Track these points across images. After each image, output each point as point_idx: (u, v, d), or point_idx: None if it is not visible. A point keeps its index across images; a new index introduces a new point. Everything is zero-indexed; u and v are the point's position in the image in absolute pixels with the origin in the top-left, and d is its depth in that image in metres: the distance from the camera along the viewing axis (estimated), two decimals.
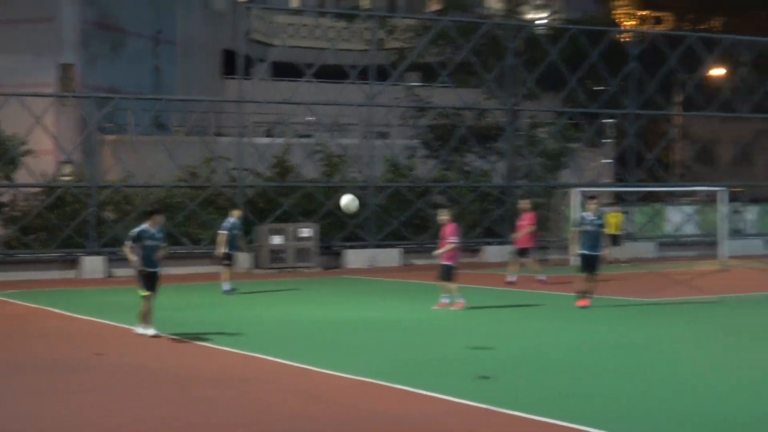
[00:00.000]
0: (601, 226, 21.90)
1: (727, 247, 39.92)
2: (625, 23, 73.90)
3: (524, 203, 29.95)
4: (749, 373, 13.75)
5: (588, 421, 10.43)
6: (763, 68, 49.10)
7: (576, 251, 21.71)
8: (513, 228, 30.97)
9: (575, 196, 38.70)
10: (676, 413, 11.06)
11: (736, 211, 48.06)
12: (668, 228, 47.13)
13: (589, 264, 21.39)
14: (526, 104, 47.33)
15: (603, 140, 50.85)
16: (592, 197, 23.23)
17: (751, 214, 49.48)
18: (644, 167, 48.46)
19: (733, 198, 47.79)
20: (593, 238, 21.36)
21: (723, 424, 10.57)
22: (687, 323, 19.51)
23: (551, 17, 54.69)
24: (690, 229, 47.81)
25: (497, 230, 41.53)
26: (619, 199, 45.56)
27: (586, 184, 45.23)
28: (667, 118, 53.87)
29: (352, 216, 24.74)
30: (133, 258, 17.40)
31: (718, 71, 54.03)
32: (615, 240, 36.00)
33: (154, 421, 11.04)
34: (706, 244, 44.91)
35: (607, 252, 22.21)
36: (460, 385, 12.63)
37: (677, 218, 47.46)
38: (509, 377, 13.35)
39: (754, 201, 52.47)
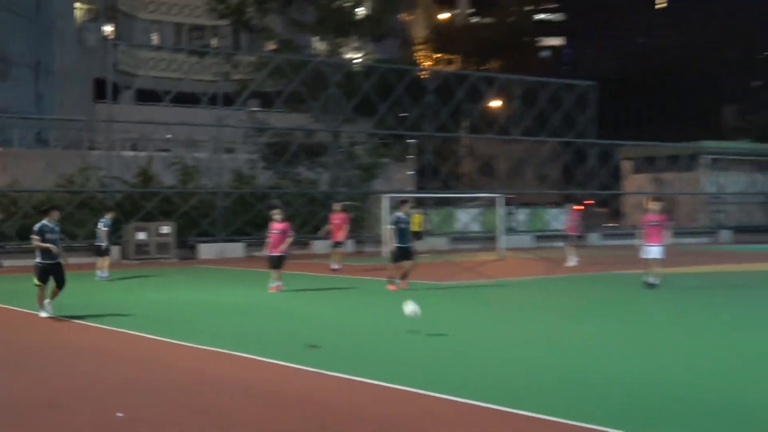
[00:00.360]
0: (409, 224, 22.08)
1: (503, 241, 40.71)
2: (423, 63, 74.98)
3: (336, 206, 29.99)
4: (519, 333, 14.04)
5: (394, 379, 10.39)
6: (530, 101, 50.40)
7: (393, 245, 21.70)
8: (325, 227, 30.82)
9: (385, 200, 38.92)
10: (458, 365, 11.14)
11: (510, 213, 49.20)
12: (458, 226, 47.94)
13: (403, 254, 21.45)
14: (346, 127, 47.43)
15: (407, 156, 51.33)
16: (405, 201, 23.29)
17: (522, 215, 50.79)
18: (439, 178, 49.24)
19: (508, 203, 48.91)
20: (405, 233, 21.50)
21: (493, 372, 10.66)
22: (474, 300, 19.70)
23: (365, 57, 54.85)
24: (475, 226, 48.72)
25: (322, 228, 41.56)
26: (420, 203, 46.05)
27: (394, 191, 45.57)
28: (457, 140, 54.80)
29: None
30: (42, 245, 16.49)
31: (496, 102, 55.16)
32: (417, 236, 36.52)
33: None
34: (487, 239, 45.83)
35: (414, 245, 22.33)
36: (293, 353, 12.40)
37: (465, 218, 48.44)
38: (333, 345, 13.17)
39: (524, 205, 53.85)
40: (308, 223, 40.91)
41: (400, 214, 21.81)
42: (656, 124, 78.55)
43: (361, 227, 41.49)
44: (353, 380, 10.54)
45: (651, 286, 21.33)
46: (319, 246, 39.98)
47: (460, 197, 50.65)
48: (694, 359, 11.92)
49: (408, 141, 50.75)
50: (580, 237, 29.05)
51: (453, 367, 11.39)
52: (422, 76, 55.44)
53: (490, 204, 49.45)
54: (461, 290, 22.11)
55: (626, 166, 59.28)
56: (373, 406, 9.25)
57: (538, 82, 50.71)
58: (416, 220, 37.55)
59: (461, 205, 50.69)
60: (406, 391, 9.87)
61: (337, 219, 29.14)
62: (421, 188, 51.06)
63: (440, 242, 44.19)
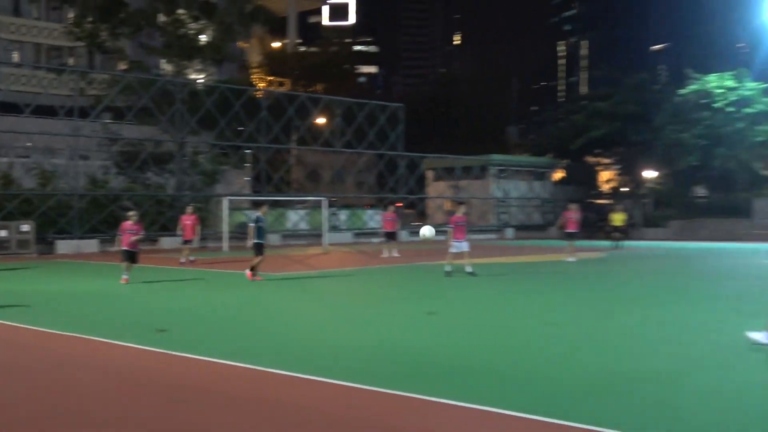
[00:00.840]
0: (266, 222, 21.80)
1: (327, 238, 40.86)
2: (258, 84, 74.31)
3: (188, 208, 29.37)
4: (331, 312, 14.02)
5: (234, 357, 10.27)
6: (349, 118, 50.85)
7: (252, 241, 21.34)
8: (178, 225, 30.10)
9: (225, 202, 38.38)
10: (301, 342, 11.09)
11: (333, 214, 49.45)
12: (288, 225, 47.75)
13: (260, 249, 21.18)
14: (190, 138, 46.52)
15: (244, 164, 50.76)
16: (263, 203, 23.27)
17: (343, 215, 51.08)
18: (272, 183, 48.86)
19: (331, 205, 49.19)
20: (262, 231, 21.19)
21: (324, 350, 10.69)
22: (302, 289, 19.66)
23: (208, 78, 53.79)
24: (303, 225, 48.66)
25: (169, 227, 40.58)
26: (257, 205, 45.64)
27: (233, 194, 44.98)
28: (287, 151, 54.54)
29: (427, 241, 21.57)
30: None
31: (321, 120, 55.27)
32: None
33: None
34: (313, 236, 45.92)
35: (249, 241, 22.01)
36: (145, 336, 12.02)
37: (294, 218, 48.26)
38: (180, 329, 12.85)
39: (345, 207, 54.22)
40: (156, 222, 39.93)
41: (259, 214, 21.51)
42: (454, 141, 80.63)
43: (205, 226, 40.74)
44: (197, 359, 10.32)
45: (471, 274, 21.87)
46: (167, 242, 39.03)
47: (290, 200, 50.51)
48: (481, 332, 12.26)
49: (245, 151, 50.16)
50: (394, 234, 29.35)
51: (272, 342, 11.38)
52: (257, 96, 55.01)
53: (316, 206, 49.63)
54: (291, 280, 22.04)
55: (429, 174, 60.65)
56: (218, 381, 9.10)
57: (356, 102, 51.25)
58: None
59: (291, 206, 50.57)
60: (241, 366, 9.79)
61: (188, 220, 28.51)
62: (256, 192, 50.56)
63: (273, 239, 43.90)
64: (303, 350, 10.91)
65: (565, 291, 18.49)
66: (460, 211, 22.80)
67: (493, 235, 56.47)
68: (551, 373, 9.27)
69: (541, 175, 63.74)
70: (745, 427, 7.19)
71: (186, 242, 28.60)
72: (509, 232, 57.25)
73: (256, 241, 21.15)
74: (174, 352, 10.69)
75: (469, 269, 22.18)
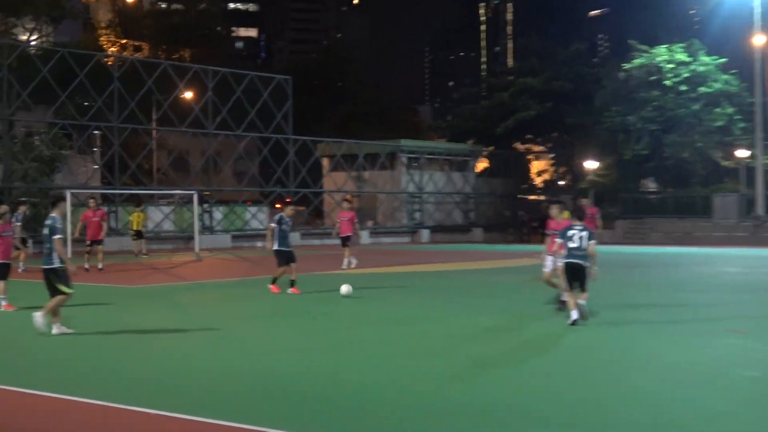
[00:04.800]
0: (291, 226, 21.05)
1: (199, 241, 40.03)
2: (109, 49, 72.50)
3: (91, 202, 29.01)
4: (186, 335, 13.55)
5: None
6: (225, 93, 50.01)
7: (273, 246, 20.48)
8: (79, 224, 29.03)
9: (68, 197, 37.00)
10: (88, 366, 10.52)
11: (206, 211, 48.56)
12: (149, 224, 46.49)
13: (286, 257, 20.43)
14: (22, 115, 44.92)
15: (92, 149, 49.34)
16: (288, 202, 22.65)
17: (219, 213, 50.15)
18: (128, 173, 47.67)
19: (204, 200, 48.30)
20: (287, 235, 20.52)
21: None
22: (168, 305, 18.93)
23: (43, 39, 52.20)
24: (168, 225, 47.57)
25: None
26: (108, 201, 44.47)
27: (78, 186, 43.62)
28: (147, 132, 53.22)
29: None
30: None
31: (188, 93, 54.25)
32: (139, 234, 35.86)
33: None
34: (180, 238, 44.95)
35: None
36: None
37: (157, 216, 46.99)
38: None
39: (221, 202, 53.38)
40: None
41: (283, 214, 20.76)
42: (355, 122, 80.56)
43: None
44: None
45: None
46: None
47: (151, 194, 49.31)
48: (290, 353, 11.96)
49: (93, 132, 48.75)
50: (350, 238, 28.55)
51: (80, 369, 11.58)
52: (107, 63, 53.57)
53: (185, 201, 48.58)
54: (157, 292, 21.27)
55: (326, 163, 60.26)
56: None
57: (233, 73, 50.48)
58: (136, 219, 36.19)
59: (153, 202, 49.34)
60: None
61: (95, 216, 28.13)
62: (108, 184, 49.16)
63: (125, 242, 42.63)
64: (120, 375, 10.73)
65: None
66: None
67: (405, 238, 56.52)
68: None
69: (462, 165, 64.19)
70: None
71: (93, 243, 28.00)
72: (424, 234, 57.40)
73: (279, 248, 20.40)
74: None
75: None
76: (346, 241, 27.99)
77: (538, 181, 73.86)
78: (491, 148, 68.54)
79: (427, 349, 12.85)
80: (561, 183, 72.13)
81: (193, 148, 61.11)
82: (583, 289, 14.93)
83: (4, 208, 18.43)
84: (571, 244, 14.95)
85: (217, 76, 49.87)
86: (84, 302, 18.10)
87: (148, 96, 50.01)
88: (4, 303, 17.78)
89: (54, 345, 13.53)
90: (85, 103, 47.86)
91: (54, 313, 14.38)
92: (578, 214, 15.95)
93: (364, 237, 52.70)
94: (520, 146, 72.42)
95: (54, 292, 14.32)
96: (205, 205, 48.57)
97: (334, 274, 25.66)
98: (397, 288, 22.37)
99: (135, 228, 35.82)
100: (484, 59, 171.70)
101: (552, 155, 73.76)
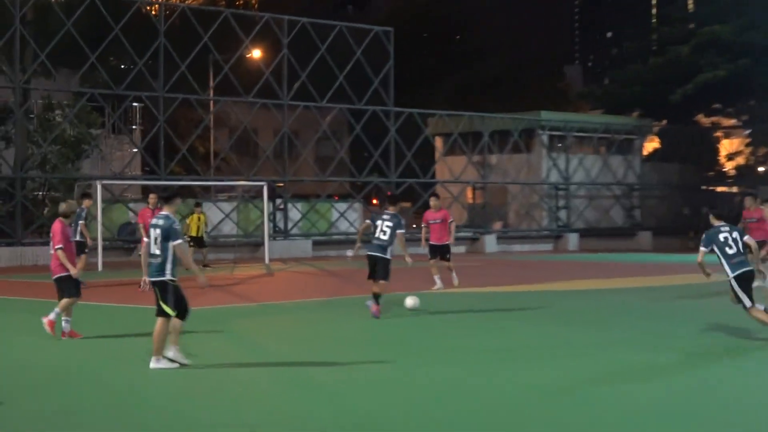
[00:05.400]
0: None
1: (269, 248, 40.26)
2: None
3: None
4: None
5: None
6: (306, 52, 50.18)
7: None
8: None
9: (99, 190, 37.71)
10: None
11: (279, 209, 48.77)
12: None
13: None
14: (39, 82, 45.84)
15: (130, 127, 50.13)
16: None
17: (296, 211, 50.24)
18: (177, 158, 48.20)
19: (276, 194, 48.53)
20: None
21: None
22: (228, 332, 18.99)
23: None
24: (228, 228, 47.90)
25: (5, 229, 40.03)
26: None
27: (112, 177, 44.35)
28: (202, 104, 53.72)
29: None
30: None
31: (257, 52, 54.67)
32: (199, 242, 36.34)
33: None
34: (246, 245, 45.35)
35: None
36: None
37: (215, 216, 47.22)
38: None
39: (300, 197, 53.73)
40: None
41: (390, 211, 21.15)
42: (477, 90, 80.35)
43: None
44: None
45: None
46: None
47: (207, 185, 49.87)
48: None
49: (131, 104, 49.52)
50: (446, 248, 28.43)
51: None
52: (151, 12, 54.25)
53: (252, 196, 48.96)
54: (207, 318, 21.39)
55: (438, 144, 60.11)
56: None
57: (315, 24, 50.63)
58: (195, 222, 36.58)
59: (209, 197, 49.85)
60: None
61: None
62: (150, 173, 49.79)
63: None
64: None
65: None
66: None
67: (545, 245, 56.12)
68: None
69: (624, 146, 63.44)
70: None
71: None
72: (571, 240, 56.85)
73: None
74: None
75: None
76: (438, 251, 26.91)
77: (728, 166, 72.52)
78: (663, 122, 67.65)
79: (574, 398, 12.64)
80: (761, 170, 70.65)
81: (262, 126, 61.61)
82: None
83: (71, 205, 18.81)
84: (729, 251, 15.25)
85: (294, 29, 50.13)
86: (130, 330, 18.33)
87: (203, 56, 50.47)
88: (67, 327, 18.12)
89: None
90: (122, 66, 48.56)
91: (174, 337, 15.09)
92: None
93: (490, 243, 52.39)
94: (703, 119, 71.29)
95: (160, 311, 14.98)
96: (279, 201, 48.80)
97: (434, 294, 25.49)
98: (533, 311, 22.31)
99: (194, 234, 36.11)
100: (654, 1, 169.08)
101: (747, 131, 72.27)
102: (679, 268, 36.64)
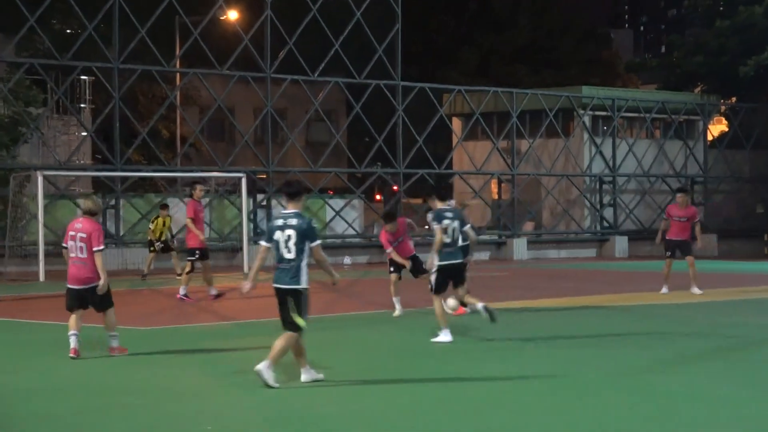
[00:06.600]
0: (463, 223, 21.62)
1: (248, 253, 40.31)
2: None
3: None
4: None
5: None
6: (293, 13, 50.21)
7: (434, 261, 20.93)
8: None
9: (40, 182, 37.78)
10: None
11: (261, 206, 48.83)
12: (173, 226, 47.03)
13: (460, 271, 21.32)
14: None
15: (79, 104, 50.15)
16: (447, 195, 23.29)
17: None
18: (136, 144, 48.16)
19: (259, 189, 48.55)
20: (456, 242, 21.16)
21: None
22: (202, 355, 18.99)
23: None
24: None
25: None
26: (105, 189, 45.17)
27: (56, 165, 44.38)
28: (166, 77, 53.66)
29: None
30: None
31: (233, 14, 54.75)
32: (166, 247, 37.47)
33: None
34: (222, 250, 45.37)
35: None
36: None
37: (182, 216, 47.19)
38: None
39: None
40: None
41: (446, 206, 21.66)
42: (502, 59, 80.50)
43: None
44: None
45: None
46: None
47: (172, 177, 49.90)
48: None
49: (80, 78, 49.56)
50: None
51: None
52: None
53: (228, 191, 48.95)
54: (174, 337, 21.40)
55: (456, 127, 60.10)
56: None
57: None
58: (159, 227, 37.01)
59: (174, 191, 49.82)
60: None
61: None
62: (103, 162, 49.74)
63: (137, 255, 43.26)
64: None
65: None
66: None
67: (587, 251, 56.09)
68: None
69: (684, 130, 63.39)
70: None
71: (201, 255, 29.85)
72: (618, 245, 56.81)
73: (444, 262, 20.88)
74: None
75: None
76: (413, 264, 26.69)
77: None
78: (732, 99, 67.55)
79: None
80: None
81: (240, 104, 61.70)
82: None
83: (97, 201, 19.87)
84: None
85: None
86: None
87: (168, 18, 50.47)
88: (115, 343, 19.06)
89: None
90: (68, 31, 48.57)
91: (297, 353, 15.95)
92: None
93: (520, 249, 52.35)
94: None
95: (289, 324, 15.67)
96: (261, 197, 48.79)
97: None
98: (568, 332, 22.21)
99: (157, 237, 37.12)
100: None
101: None
102: (751, 279, 36.56)
